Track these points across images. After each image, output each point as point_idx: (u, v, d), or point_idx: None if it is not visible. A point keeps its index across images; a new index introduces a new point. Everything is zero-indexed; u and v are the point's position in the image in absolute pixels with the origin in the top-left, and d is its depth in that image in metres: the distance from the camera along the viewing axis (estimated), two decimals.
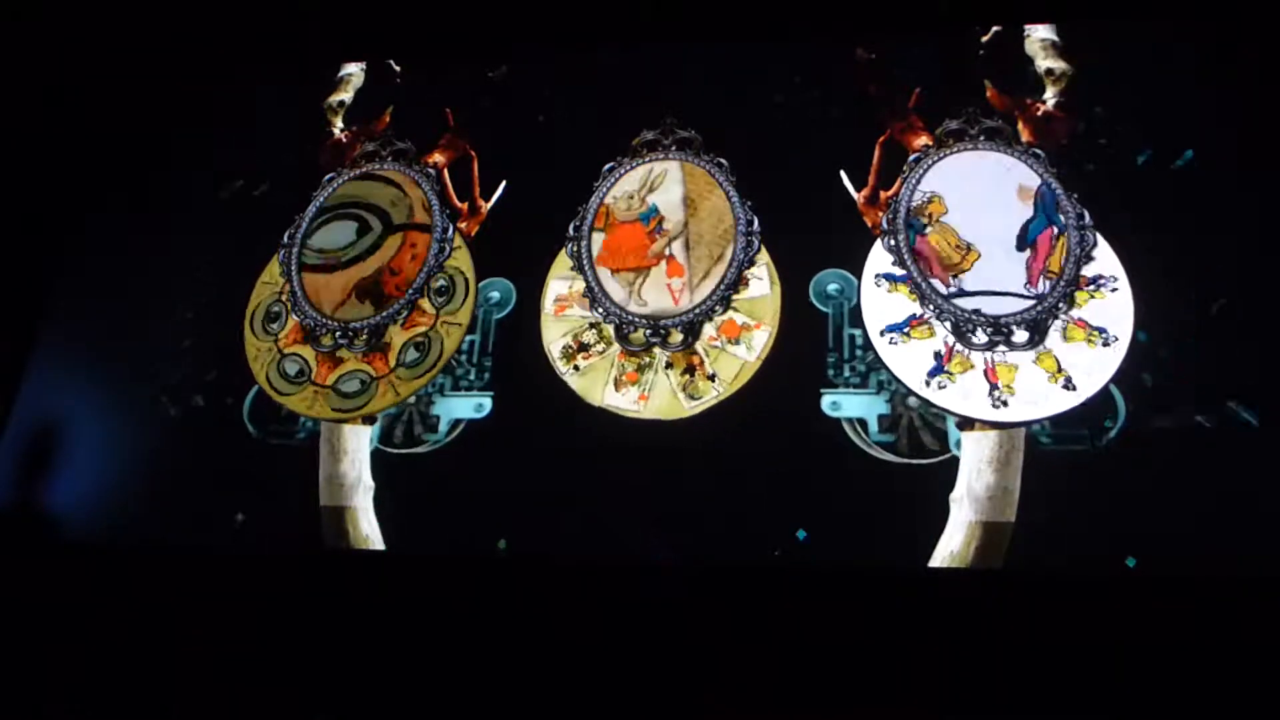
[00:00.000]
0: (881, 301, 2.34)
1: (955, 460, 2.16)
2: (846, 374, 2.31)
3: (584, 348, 2.44)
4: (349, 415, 2.49)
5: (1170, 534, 2.00)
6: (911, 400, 2.24)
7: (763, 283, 2.43)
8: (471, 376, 2.50)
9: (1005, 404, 2.17)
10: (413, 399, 2.49)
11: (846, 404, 2.28)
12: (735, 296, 2.43)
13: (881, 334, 2.30)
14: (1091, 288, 2.25)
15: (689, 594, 2.15)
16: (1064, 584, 2.03)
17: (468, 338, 2.54)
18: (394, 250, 2.69)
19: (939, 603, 2.07)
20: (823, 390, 2.30)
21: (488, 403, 2.45)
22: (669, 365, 2.39)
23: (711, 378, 2.35)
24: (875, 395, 2.28)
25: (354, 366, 2.56)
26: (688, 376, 2.36)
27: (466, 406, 2.46)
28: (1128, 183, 2.35)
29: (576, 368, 2.43)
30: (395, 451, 2.44)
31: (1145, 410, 2.11)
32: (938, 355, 2.26)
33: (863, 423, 2.24)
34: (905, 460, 2.18)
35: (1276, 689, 1.85)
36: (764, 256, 2.46)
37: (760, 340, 2.37)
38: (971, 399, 2.19)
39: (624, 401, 2.38)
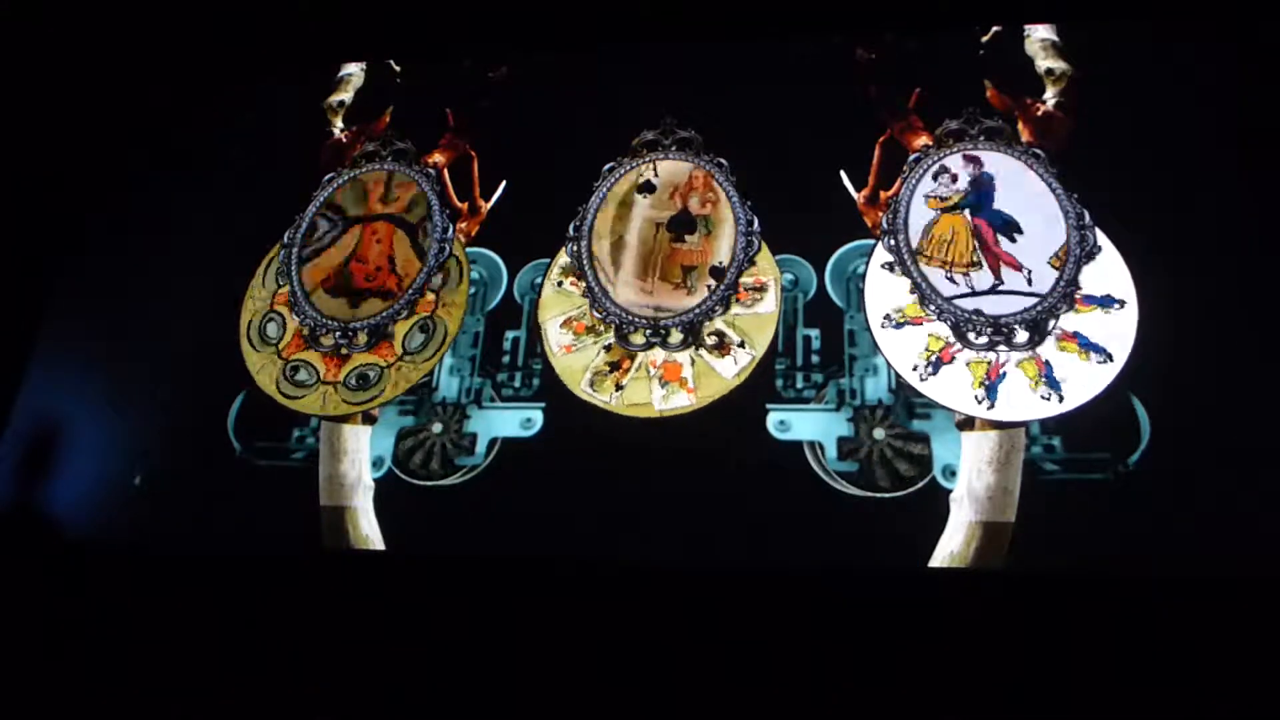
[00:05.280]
0: (896, 339, 2.30)
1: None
2: (800, 385, 2.28)
3: (614, 367, 2.39)
4: (363, 407, 2.48)
5: (1171, 533, 2.00)
6: (877, 432, 2.19)
7: (738, 354, 2.35)
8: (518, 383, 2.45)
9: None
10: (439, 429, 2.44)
11: (797, 424, 2.22)
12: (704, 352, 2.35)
13: (914, 369, 2.25)
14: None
15: (689, 597, 2.15)
16: (1064, 584, 2.03)
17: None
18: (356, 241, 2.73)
19: (939, 603, 2.07)
20: (769, 406, 2.26)
21: (538, 417, 2.38)
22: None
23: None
24: (834, 412, 2.22)
25: (362, 361, 2.55)
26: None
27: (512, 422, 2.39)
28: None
29: (620, 386, 2.37)
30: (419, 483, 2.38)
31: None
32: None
33: (822, 447, 2.19)
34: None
35: (1277, 689, 1.85)
36: (761, 334, 2.33)
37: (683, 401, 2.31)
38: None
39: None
